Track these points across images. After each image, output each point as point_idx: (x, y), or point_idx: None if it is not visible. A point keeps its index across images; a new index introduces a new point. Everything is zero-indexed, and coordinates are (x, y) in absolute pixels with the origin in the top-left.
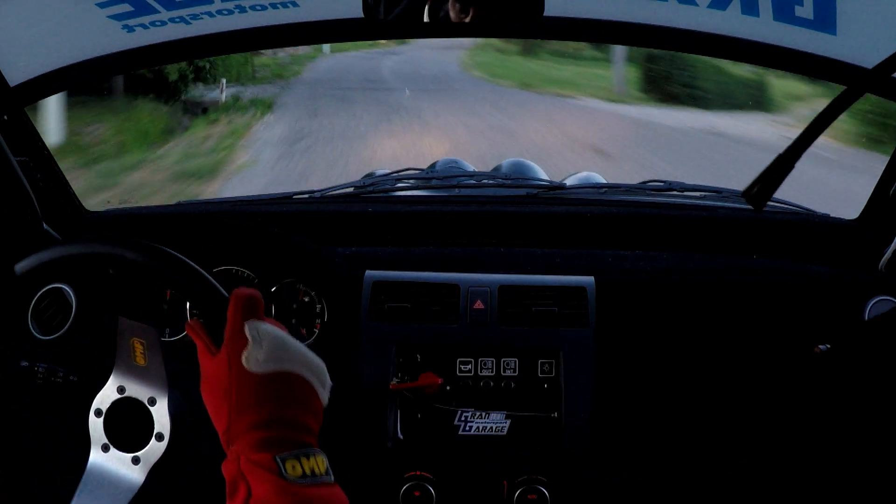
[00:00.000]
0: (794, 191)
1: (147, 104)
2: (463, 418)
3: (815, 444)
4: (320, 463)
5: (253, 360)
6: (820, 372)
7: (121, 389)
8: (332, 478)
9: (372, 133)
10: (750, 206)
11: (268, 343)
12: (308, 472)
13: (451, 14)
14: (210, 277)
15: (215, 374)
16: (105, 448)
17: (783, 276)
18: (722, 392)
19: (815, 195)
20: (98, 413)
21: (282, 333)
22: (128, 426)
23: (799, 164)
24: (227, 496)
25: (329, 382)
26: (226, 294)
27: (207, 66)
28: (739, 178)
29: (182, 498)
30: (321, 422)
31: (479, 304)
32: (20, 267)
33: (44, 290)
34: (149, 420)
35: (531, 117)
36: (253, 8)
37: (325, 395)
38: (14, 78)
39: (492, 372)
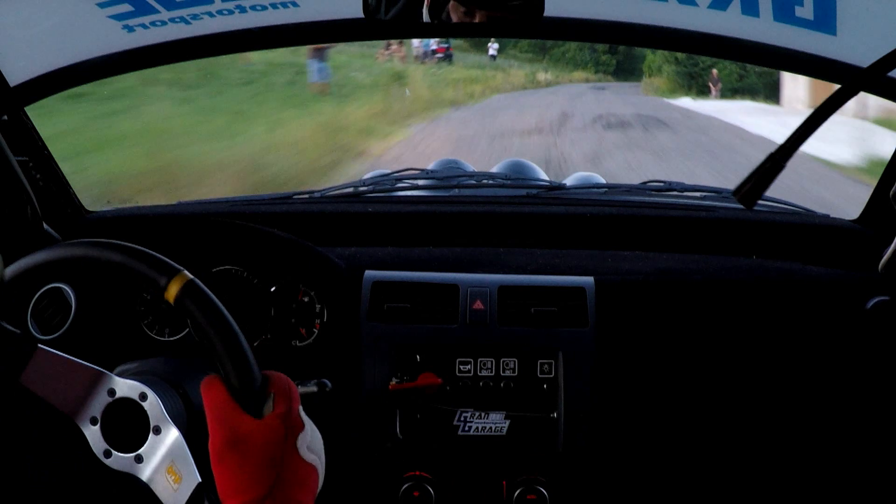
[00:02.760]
0: None
1: None
2: (462, 418)
3: (815, 444)
4: None
5: (305, 446)
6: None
7: (111, 392)
8: None
9: None
10: (739, 204)
11: (314, 435)
12: None
13: (452, 14)
14: (247, 348)
15: (262, 443)
16: (107, 454)
17: (783, 277)
18: (721, 392)
19: None
20: (94, 421)
21: (317, 430)
22: (125, 427)
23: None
24: None
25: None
26: (258, 371)
27: None
28: None
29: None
30: None
31: (478, 305)
32: (12, 269)
33: (43, 289)
34: (143, 416)
35: None
36: (253, 8)
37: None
38: (14, 78)
39: (491, 372)
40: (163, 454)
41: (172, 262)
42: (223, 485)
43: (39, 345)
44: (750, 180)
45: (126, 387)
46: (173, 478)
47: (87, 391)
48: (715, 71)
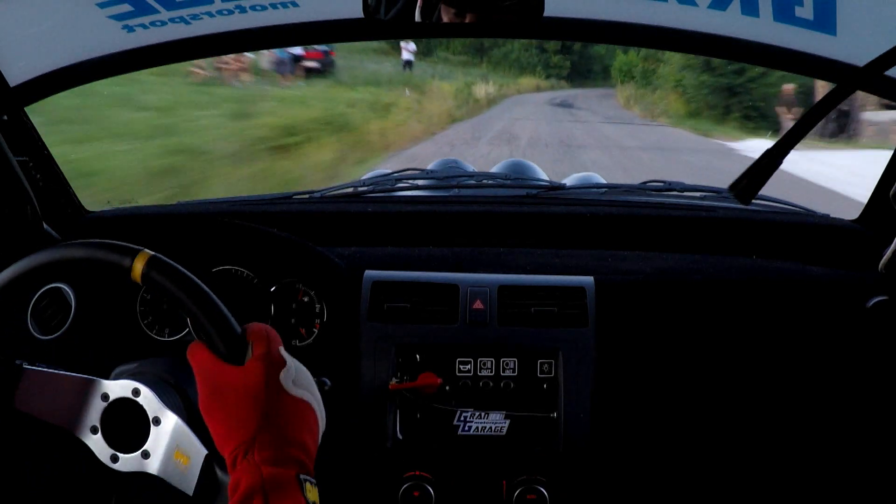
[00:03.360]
0: None
1: None
2: (462, 418)
3: (816, 444)
4: (317, 495)
5: (290, 381)
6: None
7: (104, 397)
8: None
9: None
10: (739, 204)
11: (301, 370)
12: (316, 500)
13: (452, 14)
14: (220, 304)
15: (242, 386)
16: (114, 459)
17: (783, 277)
18: (721, 392)
19: None
20: (94, 430)
21: (303, 366)
22: (125, 428)
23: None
24: (232, 501)
25: (324, 424)
26: (237, 325)
27: None
28: None
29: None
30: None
31: (478, 305)
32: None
33: (43, 289)
34: (141, 411)
35: None
36: (253, 8)
37: (319, 439)
38: (14, 78)
39: (491, 372)
40: (167, 443)
41: (131, 245)
42: (215, 436)
43: (24, 366)
44: (746, 176)
45: (118, 387)
46: (182, 460)
47: (80, 401)
48: (790, 86)
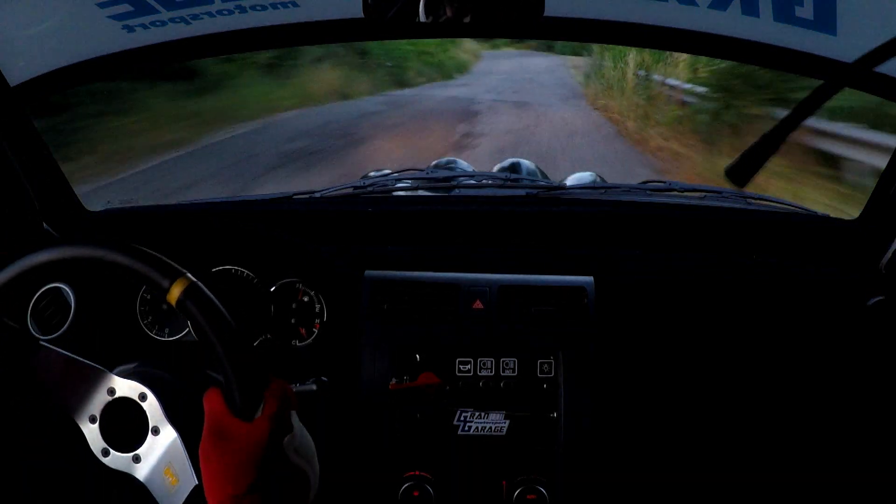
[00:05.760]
0: None
1: None
2: (462, 418)
3: (817, 444)
4: None
5: (292, 448)
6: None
7: (111, 391)
8: None
9: None
10: (739, 204)
11: (306, 440)
12: None
13: (452, 14)
14: (248, 354)
15: (246, 441)
16: (105, 453)
17: (783, 276)
18: (721, 392)
19: None
20: (93, 419)
21: (309, 436)
22: (123, 426)
23: None
24: None
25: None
26: (255, 375)
27: None
28: None
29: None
30: None
31: (478, 304)
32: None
33: (43, 289)
34: (143, 416)
35: None
36: (253, 8)
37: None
38: (14, 78)
39: (491, 372)
40: (160, 455)
41: (175, 265)
42: (207, 482)
43: (41, 341)
44: (743, 160)
45: (126, 386)
46: (170, 479)
47: (86, 388)
48: None
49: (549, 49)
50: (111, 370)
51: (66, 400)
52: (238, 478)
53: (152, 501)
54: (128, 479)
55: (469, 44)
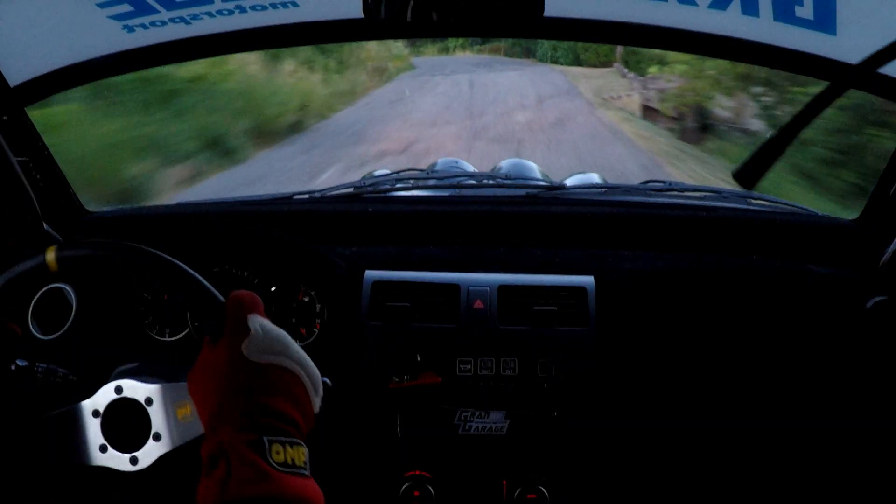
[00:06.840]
0: None
1: None
2: (462, 418)
3: (816, 443)
4: (301, 455)
5: (254, 349)
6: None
7: (118, 390)
8: (309, 472)
9: None
10: (739, 205)
11: (270, 336)
12: (289, 460)
13: (452, 14)
14: (204, 281)
15: (212, 363)
16: (103, 449)
17: (783, 276)
18: (722, 392)
19: None
20: (95, 414)
21: (284, 332)
22: (125, 427)
23: None
24: (203, 473)
25: (321, 392)
26: (221, 297)
27: None
28: None
29: (179, 499)
30: (310, 424)
31: (478, 304)
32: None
33: (44, 289)
34: (146, 420)
35: None
36: (253, 8)
37: (316, 402)
38: (14, 78)
39: (491, 371)
40: (157, 458)
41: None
42: (199, 416)
43: (42, 340)
44: (750, 162)
45: (134, 388)
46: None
47: (94, 384)
48: None
49: (528, 55)
50: (111, 371)
51: (73, 384)
52: (210, 397)
53: (147, 501)
54: (119, 477)
55: (390, 46)
